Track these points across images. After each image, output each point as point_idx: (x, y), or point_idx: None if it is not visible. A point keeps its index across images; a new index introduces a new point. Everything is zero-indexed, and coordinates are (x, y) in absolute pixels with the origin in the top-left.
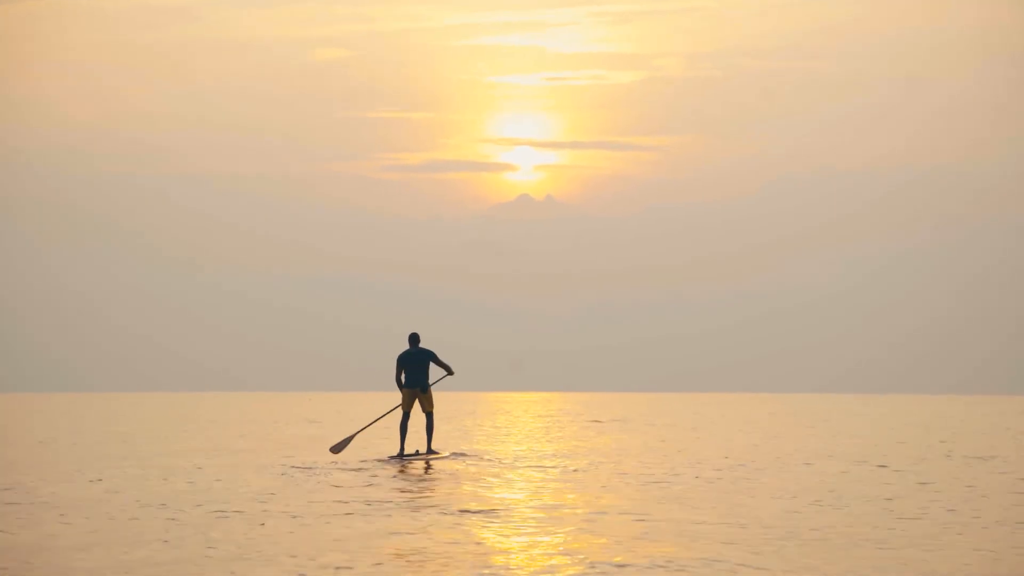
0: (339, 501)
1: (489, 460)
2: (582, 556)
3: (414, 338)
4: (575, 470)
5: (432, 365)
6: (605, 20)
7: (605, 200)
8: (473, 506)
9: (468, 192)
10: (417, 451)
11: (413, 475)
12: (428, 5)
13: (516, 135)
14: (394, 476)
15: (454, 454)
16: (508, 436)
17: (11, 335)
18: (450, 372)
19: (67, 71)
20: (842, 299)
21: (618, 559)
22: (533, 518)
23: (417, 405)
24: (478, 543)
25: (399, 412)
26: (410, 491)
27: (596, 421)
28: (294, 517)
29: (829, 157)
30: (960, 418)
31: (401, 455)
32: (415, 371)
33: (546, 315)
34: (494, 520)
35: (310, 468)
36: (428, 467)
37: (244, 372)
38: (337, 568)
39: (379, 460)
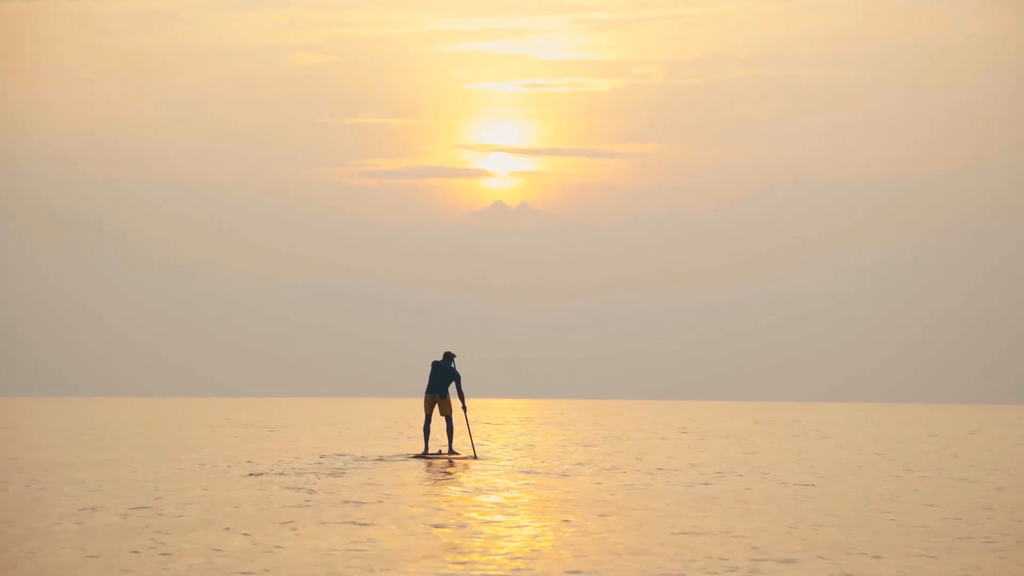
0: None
1: (503, 463)
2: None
3: (448, 355)
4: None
5: (453, 383)
6: (586, 28)
7: (583, 207)
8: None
9: (445, 198)
10: (440, 451)
11: (433, 475)
12: (409, 12)
13: (493, 141)
14: (419, 472)
15: (470, 456)
16: (521, 441)
17: (1, 339)
18: (462, 403)
19: (53, 74)
20: (828, 312)
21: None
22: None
23: (437, 410)
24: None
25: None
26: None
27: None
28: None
29: (813, 166)
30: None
31: (426, 453)
32: (438, 379)
33: (526, 322)
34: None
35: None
36: (450, 463)
37: (228, 377)
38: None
39: (407, 458)
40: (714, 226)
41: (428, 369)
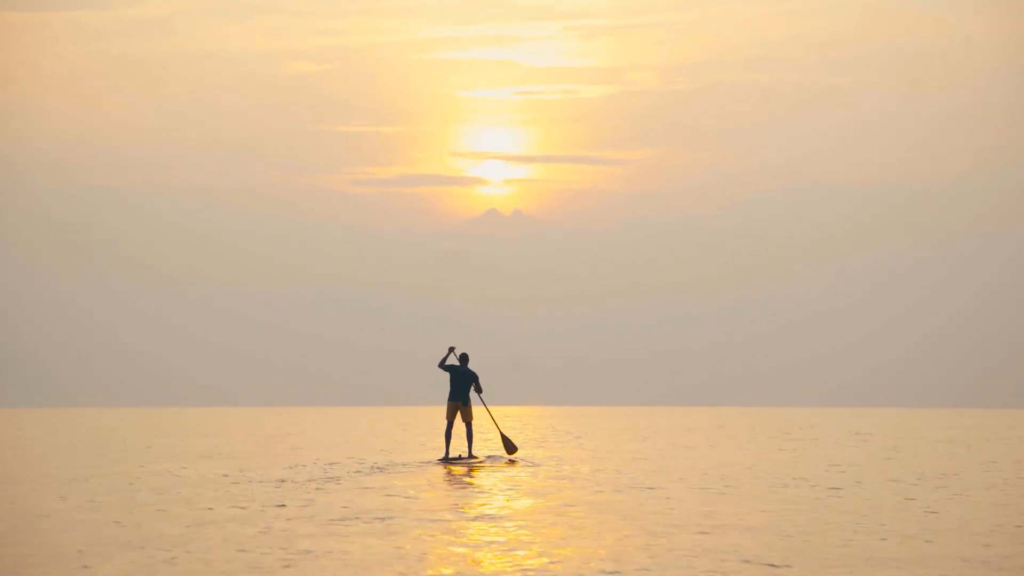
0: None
1: (524, 465)
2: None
3: (464, 358)
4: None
5: (472, 385)
6: (578, 34)
7: (577, 214)
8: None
9: (439, 206)
10: (460, 455)
11: (458, 476)
12: (400, 19)
13: (487, 149)
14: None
15: (488, 457)
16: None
17: None
18: (478, 390)
19: (48, 83)
20: (826, 316)
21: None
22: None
23: (459, 416)
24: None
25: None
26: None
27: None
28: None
29: (809, 170)
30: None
31: (446, 458)
32: (459, 386)
33: (521, 329)
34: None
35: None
36: (469, 467)
37: (222, 385)
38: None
39: (428, 462)
40: (710, 231)
41: (437, 375)
